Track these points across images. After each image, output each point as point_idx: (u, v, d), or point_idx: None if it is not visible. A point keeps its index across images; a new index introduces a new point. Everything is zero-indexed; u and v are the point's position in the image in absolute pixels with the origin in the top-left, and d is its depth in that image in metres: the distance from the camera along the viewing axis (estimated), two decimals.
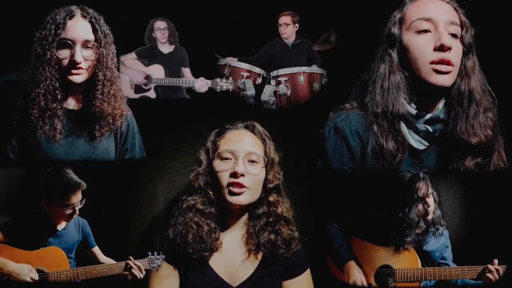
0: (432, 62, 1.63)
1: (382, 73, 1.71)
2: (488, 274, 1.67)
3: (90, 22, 1.75)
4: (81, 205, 1.77)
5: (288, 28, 2.38)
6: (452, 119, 1.70)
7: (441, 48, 1.61)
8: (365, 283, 1.76)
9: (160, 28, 2.39)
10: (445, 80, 1.64)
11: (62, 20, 1.72)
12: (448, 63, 1.62)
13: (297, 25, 2.38)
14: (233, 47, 2.34)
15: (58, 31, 1.71)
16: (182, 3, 2.27)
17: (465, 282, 1.74)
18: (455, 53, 1.64)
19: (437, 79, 1.63)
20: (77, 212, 1.78)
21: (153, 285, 1.70)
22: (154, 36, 2.40)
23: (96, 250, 1.84)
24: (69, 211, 1.76)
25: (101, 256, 1.84)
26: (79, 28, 1.73)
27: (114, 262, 1.78)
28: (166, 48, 2.42)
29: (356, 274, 1.78)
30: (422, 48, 1.64)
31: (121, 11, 2.12)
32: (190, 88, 2.34)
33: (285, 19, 2.37)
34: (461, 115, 1.68)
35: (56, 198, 1.76)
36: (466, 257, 1.77)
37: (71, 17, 1.73)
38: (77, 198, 1.77)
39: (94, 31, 1.75)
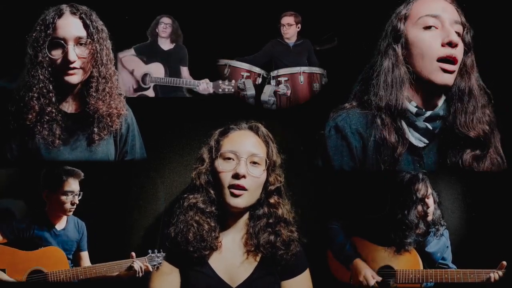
0: (440, 58, 1.64)
1: (386, 67, 1.72)
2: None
3: (81, 18, 1.71)
4: (80, 197, 1.78)
5: (290, 29, 2.37)
6: (452, 114, 1.72)
7: (450, 44, 1.64)
8: (376, 277, 1.76)
9: (164, 23, 2.39)
10: (449, 79, 1.66)
11: (51, 20, 1.68)
12: (454, 59, 1.64)
13: (299, 25, 2.38)
14: (235, 47, 2.34)
15: (48, 31, 1.68)
16: (184, 2, 2.26)
17: None
18: (460, 51, 1.67)
19: (442, 78, 1.65)
20: (77, 202, 1.77)
21: (154, 283, 1.70)
22: (157, 31, 2.39)
23: (84, 255, 1.83)
24: (69, 199, 1.76)
25: (87, 262, 1.82)
26: (69, 25, 1.70)
27: None
28: (166, 45, 2.41)
29: (366, 270, 1.78)
30: (429, 43, 1.66)
31: (124, 9, 2.12)
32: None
33: (287, 19, 2.37)
34: (460, 110, 1.71)
35: (56, 186, 1.76)
36: (466, 257, 1.78)
37: (60, 15, 1.70)
38: (76, 186, 1.77)
39: (86, 26, 1.71)
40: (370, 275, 1.76)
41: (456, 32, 1.66)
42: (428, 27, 1.67)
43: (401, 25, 1.72)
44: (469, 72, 1.71)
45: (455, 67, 1.66)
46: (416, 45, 1.68)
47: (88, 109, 1.76)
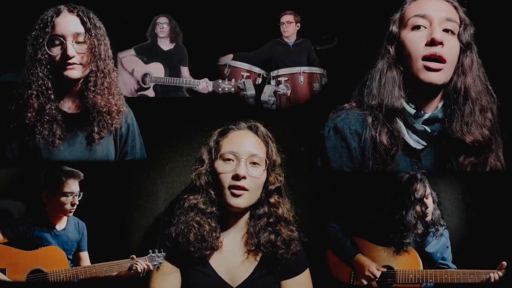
0: (424, 57, 1.63)
1: (380, 68, 1.73)
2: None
3: (78, 15, 1.74)
4: (80, 197, 1.78)
5: (290, 27, 2.38)
6: (448, 117, 1.70)
7: (432, 42, 1.62)
8: (381, 269, 1.77)
9: (160, 23, 2.39)
10: (435, 78, 1.64)
11: (49, 19, 1.72)
12: (439, 58, 1.62)
13: (298, 24, 2.38)
14: (235, 46, 2.34)
15: (47, 30, 1.71)
16: (183, 2, 2.26)
17: None
18: (449, 49, 1.64)
19: (427, 76, 1.64)
20: (77, 202, 1.78)
21: (154, 283, 1.70)
22: (155, 32, 2.40)
23: (84, 255, 1.84)
24: (69, 200, 1.77)
25: (87, 263, 1.83)
26: (67, 22, 1.73)
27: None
28: (166, 45, 2.42)
29: (369, 263, 1.78)
30: (415, 43, 1.65)
31: (123, 9, 2.13)
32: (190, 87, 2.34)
33: (287, 17, 2.38)
34: (456, 113, 1.69)
35: (56, 187, 1.77)
36: (466, 257, 1.78)
37: (58, 14, 1.73)
38: (76, 187, 1.78)
39: (83, 23, 1.74)
40: (375, 268, 1.77)
41: (447, 29, 1.65)
42: (416, 27, 1.66)
43: (395, 27, 1.72)
44: (466, 72, 1.68)
45: (442, 65, 1.63)
46: (405, 46, 1.68)
47: (87, 104, 1.78)
